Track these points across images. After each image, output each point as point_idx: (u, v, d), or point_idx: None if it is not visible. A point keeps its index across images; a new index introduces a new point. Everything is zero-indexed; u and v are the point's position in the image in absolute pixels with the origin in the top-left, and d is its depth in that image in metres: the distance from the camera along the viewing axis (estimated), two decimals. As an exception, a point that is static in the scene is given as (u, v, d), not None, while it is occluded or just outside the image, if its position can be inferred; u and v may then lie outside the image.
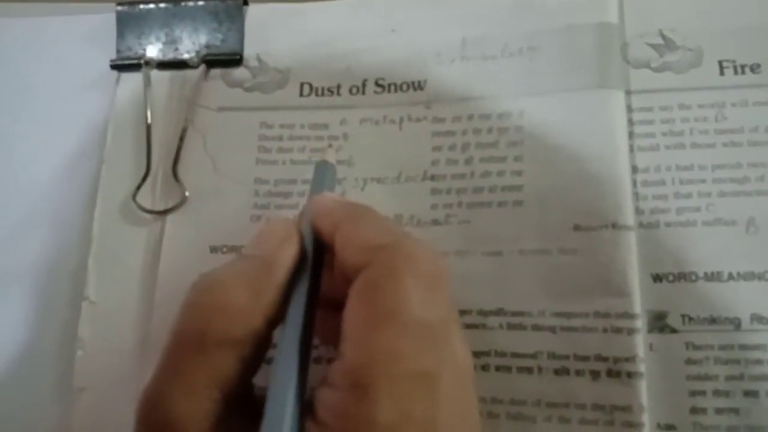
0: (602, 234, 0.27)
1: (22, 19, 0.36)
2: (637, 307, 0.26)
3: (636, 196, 0.28)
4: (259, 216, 0.30)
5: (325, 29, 0.33)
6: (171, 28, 0.34)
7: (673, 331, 0.27)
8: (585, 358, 0.26)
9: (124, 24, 0.34)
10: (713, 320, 0.26)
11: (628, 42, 0.31)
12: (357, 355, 0.19)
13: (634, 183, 0.28)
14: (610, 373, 0.26)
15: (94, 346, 0.29)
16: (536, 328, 0.27)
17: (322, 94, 0.32)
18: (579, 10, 0.31)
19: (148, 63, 0.33)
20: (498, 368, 0.27)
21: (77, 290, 0.30)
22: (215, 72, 0.33)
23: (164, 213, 0.31)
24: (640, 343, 0.26)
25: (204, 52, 0.34)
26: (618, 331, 0.26)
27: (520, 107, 0.30)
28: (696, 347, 0.26)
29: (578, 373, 0.26)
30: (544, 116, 0.29)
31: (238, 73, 0.33)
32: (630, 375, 0.26)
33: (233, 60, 0.33)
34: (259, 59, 0.33)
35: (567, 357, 0.26)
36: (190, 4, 0.34)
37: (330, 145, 0.30)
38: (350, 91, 0.32)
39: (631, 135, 0.29)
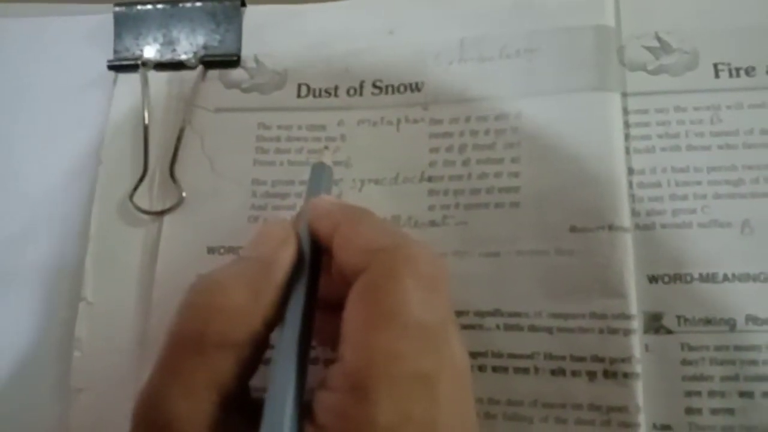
0: (599, 235, 0.27)
1: (21, 20, 0.36)
2: (633, 308, 0.26)
3: (632, 197, 0.28)
4: (256, 217, 0.30)
5: (322, 30, 0.33)
6: (168, 29, 0.34)
7: (669, 332, 0.27)
8: (581, 359, 0.26)
9: (122, 25, 0.34)
10: (708, 321, 0.27)
11: (625, 44, 0.31)
12: (357, 357, 0.19)
13: (630, 185, 0.28)
14: (607, 374, 0.26)
15: (91, 346, 0.29)
16: (533, 328, 0.27)
17: (320, 95, 0.32)
18: (576, 12, 0.31)
19: (146, 64, 0.33)
20: (495, 369, 0.27)
21: (76, 290, 0.30)
22: (213, 73, 0.33)
23: (161, 213, 0.31)
24: (636, 343, 0.26)
25: (202, 53, 0.34)
26: (614, 332, 0.26)
27: (517, 109, 0.30)
28: (691, 348, 0.26)
29: (575, 373, 0.26)
30: (541, 118, 0.30)
31: (236, 74, 0.33)
32: (626, 376, 0.26)
33: (231, 61, 0.33)
34: (256, 60, 0.33)
35: (563, 358, 0.27)
36: (188, 5, 0.34)
37: (326, 147, 0.30)
38: (348, 92, 0.32)
39: (627, 137, 0.29)
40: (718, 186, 0.28)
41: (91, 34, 0.35)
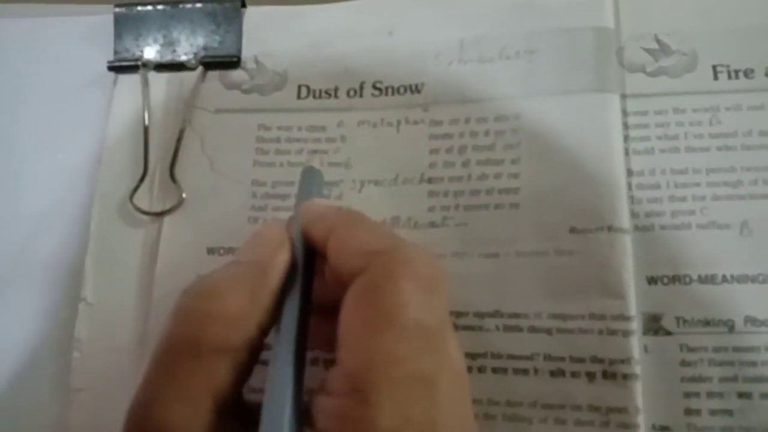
0: (598, 236, 0.27)
1: (21, 20, 0.36)
2: (632, 309, 0.27)
3: (631, 199, 0.28)
4: (256, 218, 0.30)
5: (322, 31, 0.33)
6: (169, 29, 0.34)
7: (668, 333, 0.27)
8: (581, 360, 0.26)
9: (122, 25, 0.34)
10: (707, 322, 0.27)
11: (624, 46, 0.31)
12: (356, 360, 0.19)
13: (630, 186, 0.28)
14: (606, 375, 0.26)
15: (91, 346, 0.29)
16: (532, 329, 0.27)
17: (320, 96, 0.32)
18: (576, 14, 0.31)
19: (146, 65, 0.33)
20: (494, 370, 0.27)
21: (76, 290, 0.30)
22: (213, 74, 0.33)
23: (161, 214, 0.31)
24: (635, 344, 0.26)
25: (202, 53, 0.34)
26: (613, 333, 0.26)
27: (517, 110, 0.30)
28: (690, 349, 0.26)
29: (574, 374, 0.26)
30: (540, 119, 0.30)
31: (236, 75, 0.33)
32: (625, 377, 0.26)
33: (231, 62, 0.33)
34: (256, 61, 0.33)
35: (563, 359, 0.27)
36: (188, 6, 0.34)
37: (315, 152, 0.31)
38: (348, 93, 0.32)
39: (626, 138, 0.29)
40: (716, 187, 0.28)
41: (91, 35, 0.35)
